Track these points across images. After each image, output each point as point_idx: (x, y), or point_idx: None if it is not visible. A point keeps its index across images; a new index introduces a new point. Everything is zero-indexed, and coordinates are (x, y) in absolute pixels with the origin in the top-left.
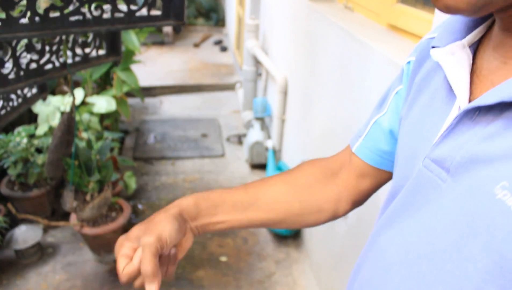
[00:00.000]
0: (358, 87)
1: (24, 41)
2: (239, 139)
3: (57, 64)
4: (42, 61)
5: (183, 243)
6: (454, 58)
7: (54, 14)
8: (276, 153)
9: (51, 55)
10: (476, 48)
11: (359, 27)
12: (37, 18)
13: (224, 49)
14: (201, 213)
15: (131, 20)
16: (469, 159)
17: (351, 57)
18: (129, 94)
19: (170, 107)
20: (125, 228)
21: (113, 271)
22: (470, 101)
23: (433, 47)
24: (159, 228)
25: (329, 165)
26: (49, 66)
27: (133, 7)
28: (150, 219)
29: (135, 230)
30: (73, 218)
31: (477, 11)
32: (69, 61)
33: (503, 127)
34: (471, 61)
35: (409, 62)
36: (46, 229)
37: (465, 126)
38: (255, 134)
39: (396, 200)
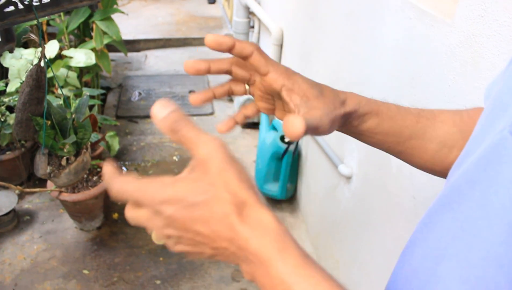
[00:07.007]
0: (368, 39)
1: None
2: (230, 96)
3: (20, 6)
4: (1, 1)
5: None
6: None
7: None
8: None
9: None
10: None
11: None
12: None
13: (212, 1)
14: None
15: None
16: None
17: (359, 2)
18: (111, 48)
19: (156, 62)
20: (108, 193)
21: (95, 239)
22: None
23: None
24: None
25: None
26: (10, 8)
27: None
28: None
29: None
30: (50, 183)
31: None
32: (35, 3)
33: None
34: None
35: None
36: (22, 195)
37: None
38: None
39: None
